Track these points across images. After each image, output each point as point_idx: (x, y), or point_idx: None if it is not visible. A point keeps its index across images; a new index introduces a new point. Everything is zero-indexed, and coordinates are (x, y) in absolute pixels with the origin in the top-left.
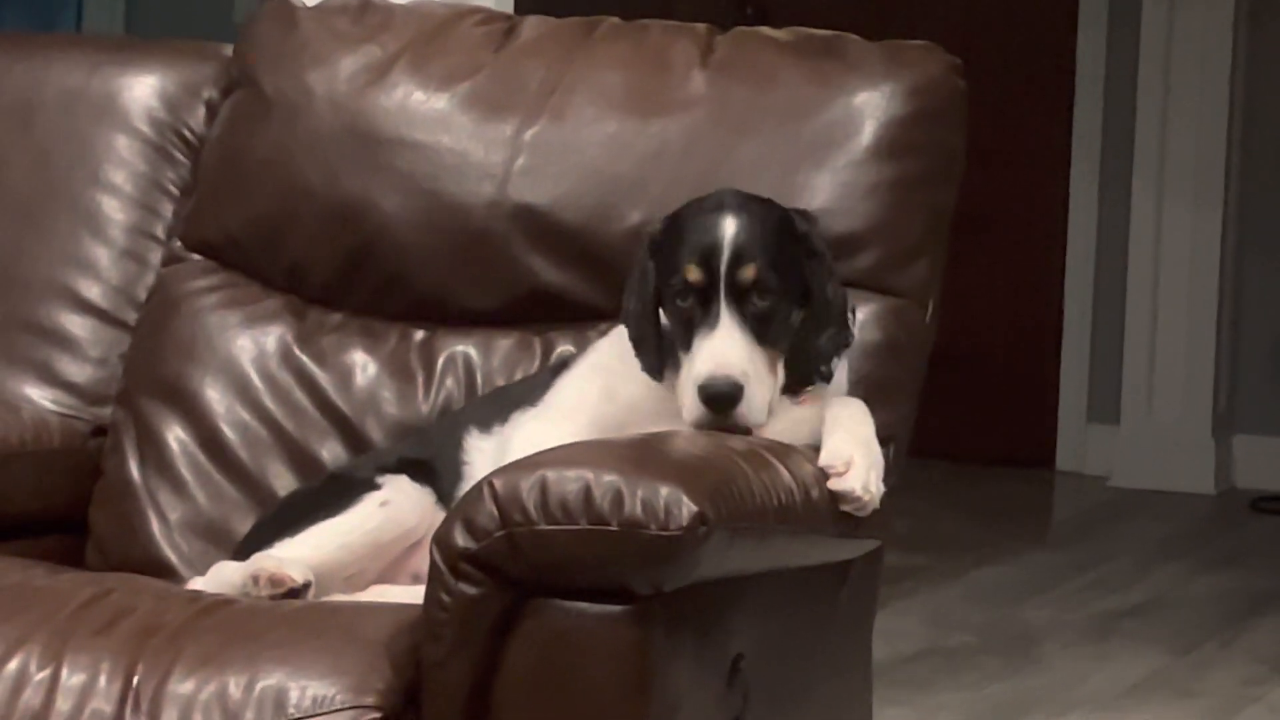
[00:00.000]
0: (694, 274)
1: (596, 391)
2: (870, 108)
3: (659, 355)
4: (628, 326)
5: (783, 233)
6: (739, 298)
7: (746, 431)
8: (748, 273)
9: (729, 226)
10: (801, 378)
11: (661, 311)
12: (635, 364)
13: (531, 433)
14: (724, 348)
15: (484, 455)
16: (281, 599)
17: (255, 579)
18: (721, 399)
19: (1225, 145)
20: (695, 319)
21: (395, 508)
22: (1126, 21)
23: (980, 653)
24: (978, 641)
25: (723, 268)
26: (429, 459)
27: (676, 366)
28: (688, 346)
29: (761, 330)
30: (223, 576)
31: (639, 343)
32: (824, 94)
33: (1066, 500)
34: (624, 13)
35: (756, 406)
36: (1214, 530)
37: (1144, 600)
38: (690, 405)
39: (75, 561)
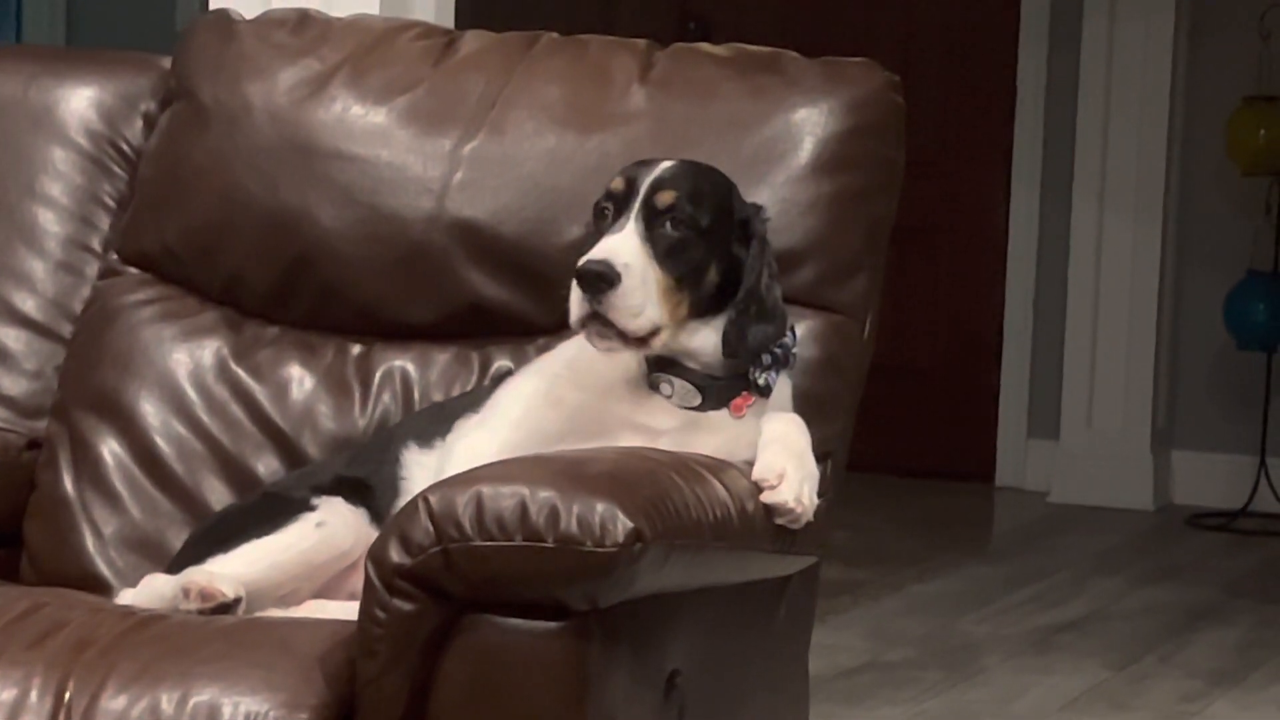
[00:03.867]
0: (617, 183)
1: (541, 398)
2: (809, 124)
3: None
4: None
5: (719, 197)
6: (650, 216)
7: (622, 337)
8: (665, 196)
9: (664, 162)
10: (730, 360)
11: None
12: (582, 371)
13: (474, 442)
14: (614, 241)
15: (424, 470)
16: (212, 613)
17: (186, 592)
18: (591, 276)
19: (1165, 160)
20: (604, 229)
21: (330, 529)
22: (1067, 35)
23: (920, 666)
24: (917, 655)
25: (643, 186)
26: (364, 476)
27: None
28: None
29: (665, 256)
30: (153, 589)
31: None
32: (763, 110)
33: (1006, 514)
34: (564, 28)
35: (633, 305)
36: (1152, 545)
37: (1083, 615)
38: (572, 296)
39: (8, 575)
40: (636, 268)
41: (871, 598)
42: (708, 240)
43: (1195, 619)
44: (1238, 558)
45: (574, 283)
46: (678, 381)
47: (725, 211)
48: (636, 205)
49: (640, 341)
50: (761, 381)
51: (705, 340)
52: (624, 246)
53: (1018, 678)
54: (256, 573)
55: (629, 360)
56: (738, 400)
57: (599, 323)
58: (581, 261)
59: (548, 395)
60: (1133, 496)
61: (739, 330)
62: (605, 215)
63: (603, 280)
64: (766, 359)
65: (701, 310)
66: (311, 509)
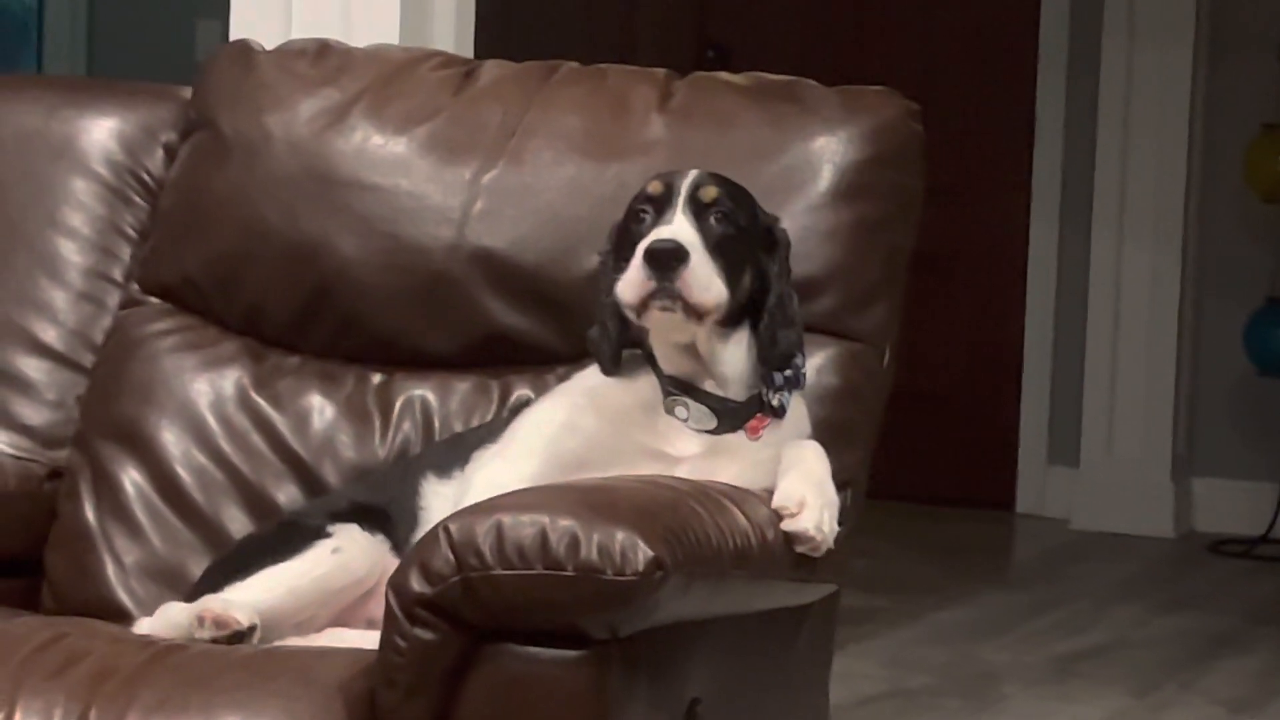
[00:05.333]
0: (654, 186)
1: (559, 427)
2: (828, 152)
3: (614, 343)
4: (590, 337)
5: (750, 202)
6: (697, 211)
7: (691, 311)
8: (709, 192)
9: (695, 170)
10: (747, 381)
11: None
12: (600, 399)
13: (493, 472)
14: (672, 228)
15: (442, 500)
16: (227, 642)
17: (200, 620)
18: (665, 254)
19: (1184, 187)
20: (648, 228)
21: (346, 555)
22: (1086, 62)
23: (940, 694)
24: (938, 683)
25: (684, 185)
26: (383, 505)
27: (629, 342)
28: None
29: (715, 247)
30: (169, 617)
31: (597, 333)
32: (782, 138)
33: (1026, 542)
34: (584, 56)
35: (702, 280)
36: (1173, 572)
37: (1104, 642)
38: (632, 278)
39: (30, 605)
40: (700, 247)
41: (892, 625)
42: (746, 239)
43: (1216, 646)
44: (1259, 585)
45: (638, 263)
46: (694, 404)
47: (755, 216)
48: (681, 201)
49: (700, 317)
50: (775, 403)
51: (730, 353)
52: (683, 231)
53: (1038, 705)
54: (272, 600)
55: (646, 388)
56: (753, 422)
57: (664, 295)
58: (647, 242)
59: (566, 424)
60: (1153, 523)
61: (770, 335)
62: (643, 218)
63: (675, 257)
64: (779, 379)
65: (731, 318)
66: (327, 536)
